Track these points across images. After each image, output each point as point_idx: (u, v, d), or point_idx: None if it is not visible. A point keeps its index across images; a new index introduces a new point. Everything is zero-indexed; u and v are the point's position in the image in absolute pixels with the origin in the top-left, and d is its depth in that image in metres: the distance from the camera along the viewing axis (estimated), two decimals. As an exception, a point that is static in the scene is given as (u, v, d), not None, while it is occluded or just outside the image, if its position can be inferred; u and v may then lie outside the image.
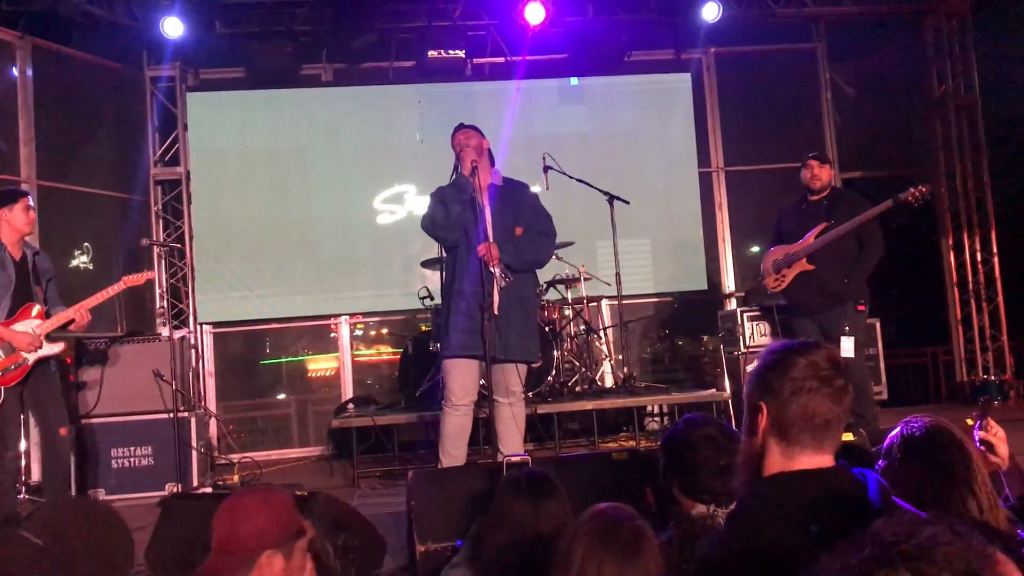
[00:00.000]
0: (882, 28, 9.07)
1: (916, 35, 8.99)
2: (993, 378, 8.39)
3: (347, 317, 8.35)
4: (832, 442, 1.78)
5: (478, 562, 2.73)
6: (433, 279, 7.24)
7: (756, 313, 6.64)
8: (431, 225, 4.69)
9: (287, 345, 8.63)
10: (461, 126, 4.81)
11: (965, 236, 8.71)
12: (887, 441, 2.41)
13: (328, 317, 8.36)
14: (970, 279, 8.69)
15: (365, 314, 8.44)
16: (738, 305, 7.21)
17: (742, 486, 1.87)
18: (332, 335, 8.49)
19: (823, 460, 1.76)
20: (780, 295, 5.85)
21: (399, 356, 7.58)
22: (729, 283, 8.73)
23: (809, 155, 5.79)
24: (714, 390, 6.74)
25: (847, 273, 5.51)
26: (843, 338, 5.32)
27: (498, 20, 8.22)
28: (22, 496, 5.52)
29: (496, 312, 4.42)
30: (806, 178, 5.73)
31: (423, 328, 7.49)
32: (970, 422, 2.71)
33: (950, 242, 8.79)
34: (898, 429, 2.39)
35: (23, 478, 5.83)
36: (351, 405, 7.49)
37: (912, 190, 5.35)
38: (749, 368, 6.41)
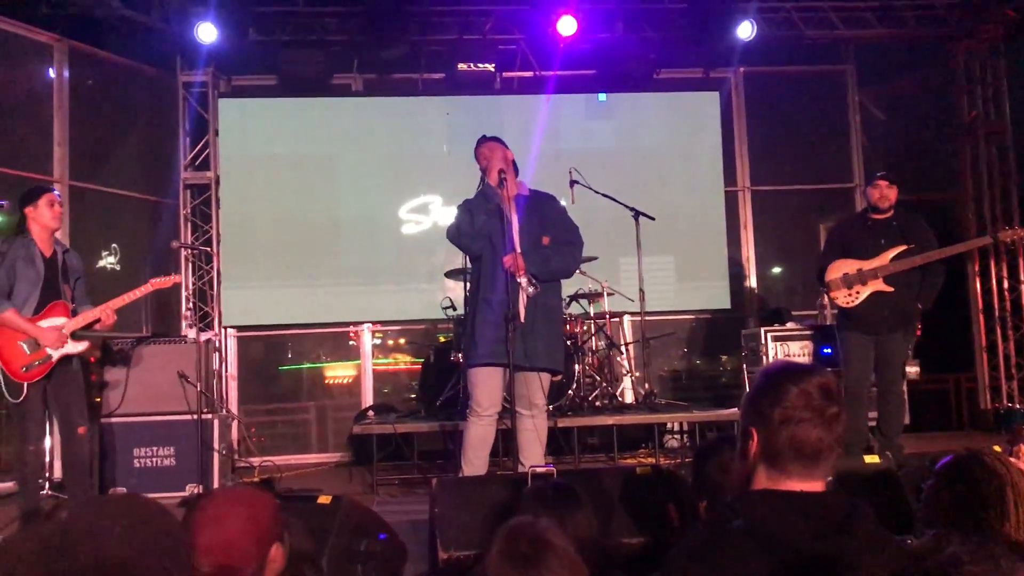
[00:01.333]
0: (912, 52, 9.03)
1: (947, 60, 8.96)
2: (1018, 406, 8.31)
3: (369, 325, 8.38)
4: (822, 470, 1.76)
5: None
6: (456, 289, 7.26)
7: (781, 332, 6.60)
8: (456, 234, 4.70)
9: (308, 351, 8.68)
10: (484, 138, 4.84)
11: (992, 263, 8.64)
12: (940, 463, 2.44)
13: (350, 324, 8.40)
14: (996, 306, 8.62)
15: (387, 322, 8.47)
16: (761, 325, 7.18)
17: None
18: (351, 343, 8.52)
19: (811, 485, 1.75)
20: (819, 315, 5.81)
21: (420, 365, 7.60)
22: (753, 303, 8.70)
23: (878, 174, 5.75)
24: (736, 409, 6.71)
25: (917, 297, 5.53)
26: (909, 367, 5.37)
27: (528, 35, 8.27)
28: (45, 491, 5.57)
29: (522, 321, 4.43)
30: (874, 197, 5.65)
31: (443, 338, 7.50)
32: (998, 449, 2.71)
33: (976, 268, 8.72)
34: (953, 456, 2.43)
35: (47, 474, 5.88)
36: (371, 412, 7.50)
37: (1010, 231, 5.49)
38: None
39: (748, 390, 1.88)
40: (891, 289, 5.50)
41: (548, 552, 1.92)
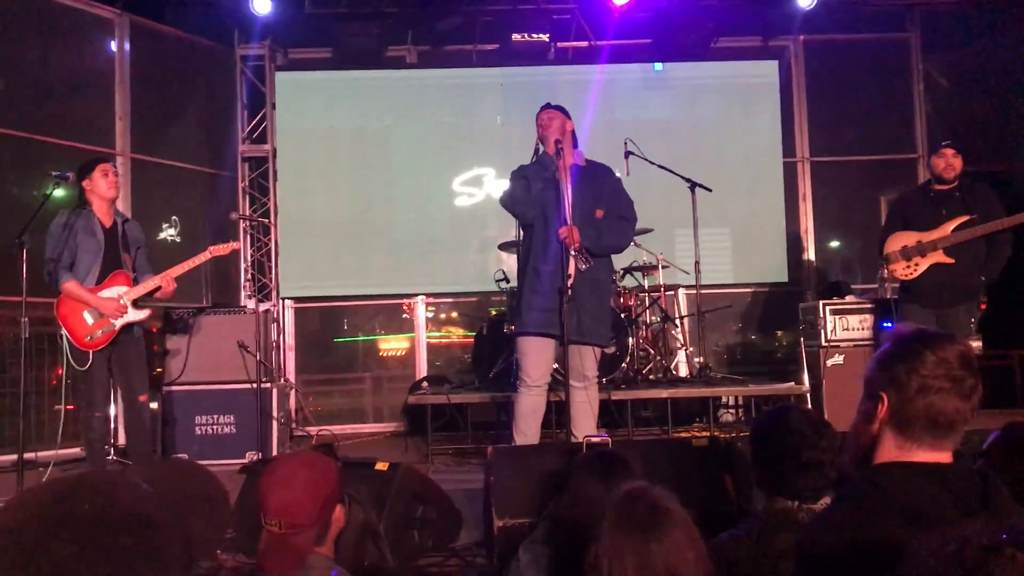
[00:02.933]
0: (980, 18, 8.73)
1: (1015, 25, 8.65)
2: (1085, 383, 8.07)
3: (423, 297, 8.43)
4: (952, 440, 1.70)
5: (553, 540, 2.75)
6: (509, 262, 7.26)
7: (840, 306, 6.49)
8: (510, 201, 4.68)
9: (363, 323, 8.76)
10: (547, 106, 4.80)
11: (1060, 234, 8.37)
12: (987, 443, 2.36)
13: (405, 296, 8.46)
14: (1063, 279, 8.36)
15: (441, 295, 8.51)
16: (819, 298, 7.06)
17: (850, 470, 1.82)
18: (405, 316, 8.58)
19: (940, 456, 1.69)
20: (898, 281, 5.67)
21: (473, 338, 7.63)
22: (811, 276, 8.55)
23: (943, 143, 5.60)
24: (792, 383, 6.63)
25: (981, 270, 5.38)
26: (971, 342, 5.20)
27: (583, 4, 8.17)
28: (111, 457, 5.73)
29: (570, 294, 4.41)
30: (939, 167, 5.50)
31: (494, 312, 7.53)
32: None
33: (1043, 240, 8.46)
34: (998, 432, 2.35)
35: (112, 441, 6.04)
36: (426, 383, 7.57)
37: None
38: (830, 362, 6.33)
39: (878, 353, 1.80)
40: (951, 261, 5.36)
41: (667, 518, 1.89)
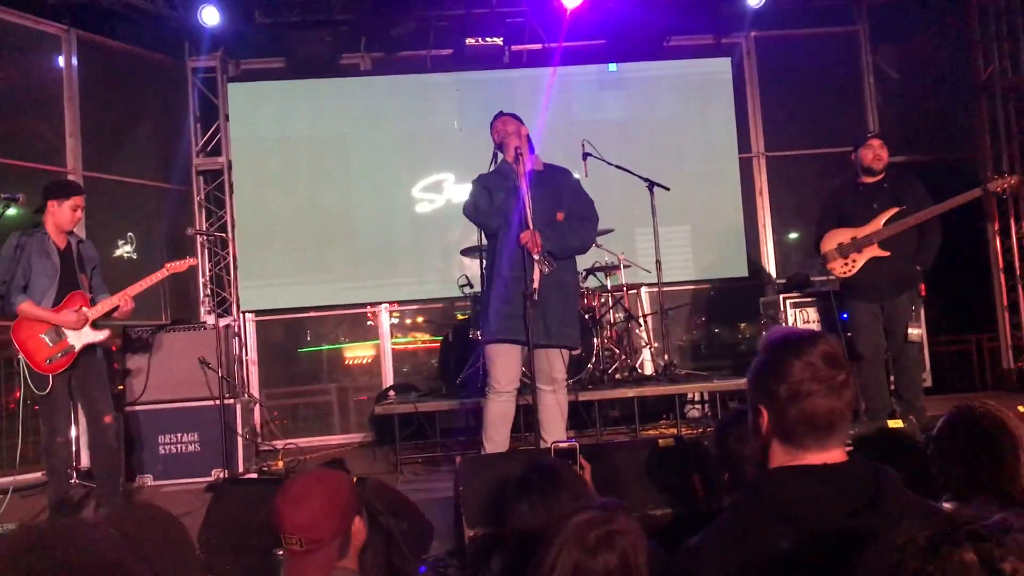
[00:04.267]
0: (926, 9, 8.87)
1: (962, 16, 8.81)
2: (1041, 366, 8.24)
3: (387, 305, 8.40)
4: (838, 437, 1.73)
5: (517, 550, 2.73)
6: (472, 267, 7.26)
7: (799, 299, 6.57)
8: (473, 211, 4.70)
9: (326, 333, 8.70)
10: (500, 114, 4.82)
11: (1012, 221, 8.54)
12: (938, 425, 2.40)
13: (368, 305, 8.41)
14: (1017, 264, 8.51)
15: (405, 302, 8.47)
16: (779, 292, 7.13)
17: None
18: (369, 323, 8.54)
19: (829, 456, 1.71)
20: (837, 280, 5.75)
21: (439, 344, 7.60)
22: (770, 269, 8.64)
23: (870, 134, 5.68)
24: (756, 377, 6.68)
25: (915, 258, 5.47)
26: (911, 328, 5.30)
27: (536, 6, 8.18)
28: (73, 481, 5.63)
29: (536, 298, 4.42)
30: (868, 159, 5.58)
31: (461, 316, 7.51)
32: (1023, 408, 2.69)
33: (996, 227, 8.62)
34: (947, 414, 2.39)
35: (74, 464, 5.94)
36: (392, 392, 7.54)
37: (999, 180, 5.38)
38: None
39: (752, 365, 1.84)
40: (887, 254, 5.46)
41: (620, 539, 1.88)
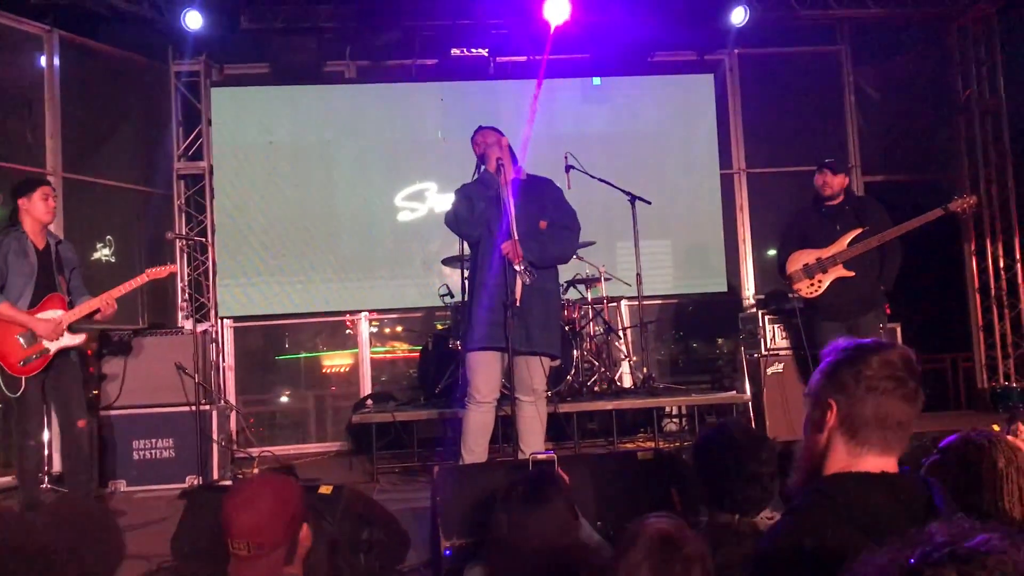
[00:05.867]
0: (907, 31, 8.99)
1: (941, 38, 8.93)
2: (1015, 385, 8.33)
3: (367, 313, 8.37)
4: (899, 445, 1.73)
5: (493, 562, 2.73)
6: (453, 276, 7.25)
7: (777, 316, 6.60)
8: (455, 221, 4.70)
9: (305, 340, 8.65)
10: (481, 128, 4.84)
11: (988, 242, 8.65)
12: (943, 443, 2.44)
13: (347, 313, 8.38)
14: (992, 285, 8.63)
15: (384, 311, 8.45)
16: (758, 307, 7.17)
17: (801, 482, 1.83)
18: (348, 332, 8.51)
19: (888, 463, 1.71)
20: (804, 300, 5.79)
21: (418, 353, 7.59)
22: (749, 285, 8.69)
23: (824, 161, 5.77)
24: (734, 392, 6.72)
25: (879, 278, 5.55)
26: None
27: (522, 19, 8.21)
28: (45, 486, 5.56)
29: (518, 306, 4.42)
30: (818, 184, 5.73)
31: (440, 326, 7.49)
32: (996, 428, 2.72)
33: (972, 247, 8.73)
34: (949, 439, 2.43)
35: (46, 468, 5.87)
36: (370, 401, 7.50)
37: (960, 200, 5.45)
38: (770, 370, 6.42)
39: (821, 364, 1.83)
40: (852, 274, 5.55)
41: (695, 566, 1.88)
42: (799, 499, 1.73)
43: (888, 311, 5.64)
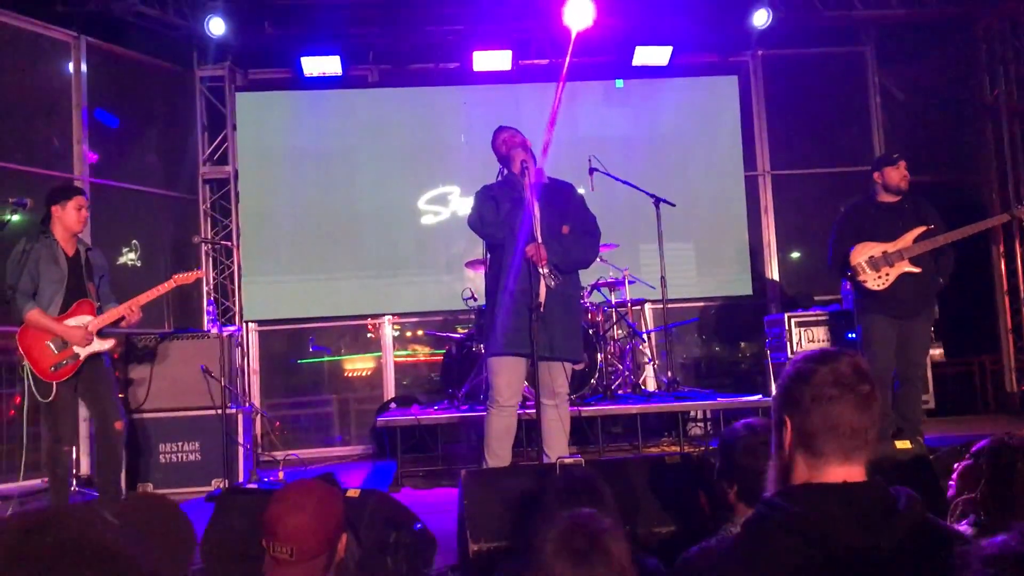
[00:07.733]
0: (933, 31, 8.90)
1: (968, 38, 8.84)
2: (1045, 388, 8.23)
3: (390, 317, 8.39)
4: (861, 452, 1.70)
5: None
6: (476, 280, 7.24)
7: (804, 318, 6.54)
8: (479, 223, 4.66)
9: (329, 344, 8.68)
10: (502, 128, 4.81)
11: (1017, 243, 8.55)
12: (976, 447, 2.44)
13: (371, 316, 8.40)
14: (1021, 287, 8.52)
15: (407, 314, 8.46)
16: (782, 310, 7.12)
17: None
18: (370, 335, 8.53)
19: (851, 472, 1.68)
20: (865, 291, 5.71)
21: (441, 356, 7.59)
22: (775, 288, 8.63)
23: (896, 156, 5.63)
24: (760, 395, 6.67)
25: (936, 273, 5.49)
26: (932, 349, 5.31)
27: (544, 22, 8.19)
28: (73, 488, 5.60)
29: (542, 311, 4.40)
30: (895, 179, 5.51)
31: (461, 329, 7.49)
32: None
33: (1001, 249, 8.63)
34: (981, 443, 2.43)
35: (74, 471, 5.91)
36: (393, 404, 7.51)
37: None
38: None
39: (778, 383, 1.82)
40: (919, 270, 5.42)
41: (603, 551, 1.87)
42: (756, 510, 1.71)
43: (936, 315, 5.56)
